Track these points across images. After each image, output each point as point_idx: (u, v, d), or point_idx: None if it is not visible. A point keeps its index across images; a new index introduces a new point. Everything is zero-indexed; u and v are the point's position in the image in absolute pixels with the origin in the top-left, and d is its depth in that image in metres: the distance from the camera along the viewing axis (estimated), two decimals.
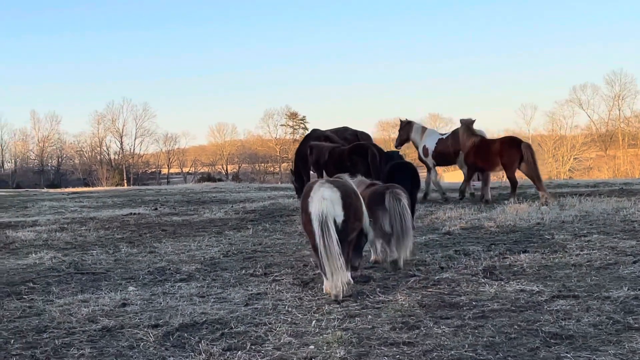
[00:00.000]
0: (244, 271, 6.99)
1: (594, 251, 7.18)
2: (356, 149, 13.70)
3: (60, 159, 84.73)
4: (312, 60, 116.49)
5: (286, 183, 34.28)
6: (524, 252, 7.30)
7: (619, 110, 70.89)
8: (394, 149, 15.47)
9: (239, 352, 4.24)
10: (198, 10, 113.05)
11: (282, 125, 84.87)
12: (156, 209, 15.86)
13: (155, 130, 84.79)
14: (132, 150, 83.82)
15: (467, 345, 4.16)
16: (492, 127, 72.96)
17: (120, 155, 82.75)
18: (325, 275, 5.50)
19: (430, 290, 5.74)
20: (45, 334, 4.83)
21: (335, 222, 5.46)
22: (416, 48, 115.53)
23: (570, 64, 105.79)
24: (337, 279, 5.38)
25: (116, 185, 56.87)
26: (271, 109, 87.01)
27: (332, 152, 14.17)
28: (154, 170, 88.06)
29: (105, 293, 6.11)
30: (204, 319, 5.03)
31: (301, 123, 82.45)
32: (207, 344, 4.39)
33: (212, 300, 5.70)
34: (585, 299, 5.15)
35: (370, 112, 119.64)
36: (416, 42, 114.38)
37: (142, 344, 4.50)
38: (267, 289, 6.04)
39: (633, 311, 4.76)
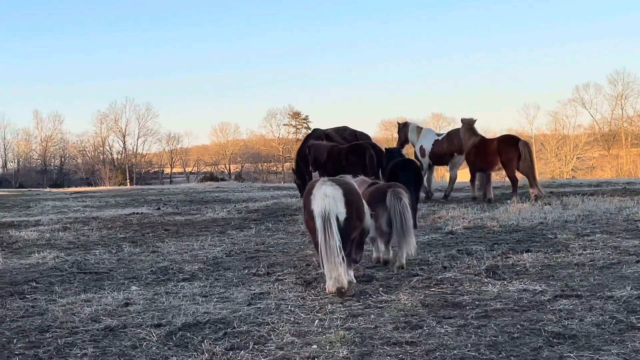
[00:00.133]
0: (246, 271, 6.99)
1: (597, 251, 7.16)
2: (354, 148, 13.68)
3: (63, 159, 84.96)
4: (315, 59, 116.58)
5: (289, 182, 34.30)
6: (527, 251, 7.29)
7: (622, 109, 70.82)
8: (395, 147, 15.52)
9: (242, 351, 4.23)
10: (200, 10, 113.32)
11: (284, 124, 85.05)
12: (159, 208, 15.90)
13: (158, 129, 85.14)
14: (134, 150, 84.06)
15: (469, 345, 4.15)
16: (495, 126, 73.00)
17: (123, 155, 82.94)
18: (325, 271, 5.51)
19: (433, 289, 5.74)
20: (48, 334, 4.83)
21: (337, 219, 5.48)
22: (419, 47, 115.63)
23: (573, 64, 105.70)
24: (338, 274, 5.40)
25: (119, 185, 57.02)
26: (274, 108, 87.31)
27: (330, 151, 14.15)
28: (156, 169, 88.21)
29: (108, 293, 6.12)
30: (207, 319, 5.03)
31: (304, 122, 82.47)
32: (210, 344, 4.38)
33: (215, 299, 5.70)
34: (588, 299, 5.14)
35: (373, 112, 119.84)
36: (419, 41, 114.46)
37: (144, 343, 4.50)
38: (269, 288, 6.04)
39: (636, 310, 4.74)
